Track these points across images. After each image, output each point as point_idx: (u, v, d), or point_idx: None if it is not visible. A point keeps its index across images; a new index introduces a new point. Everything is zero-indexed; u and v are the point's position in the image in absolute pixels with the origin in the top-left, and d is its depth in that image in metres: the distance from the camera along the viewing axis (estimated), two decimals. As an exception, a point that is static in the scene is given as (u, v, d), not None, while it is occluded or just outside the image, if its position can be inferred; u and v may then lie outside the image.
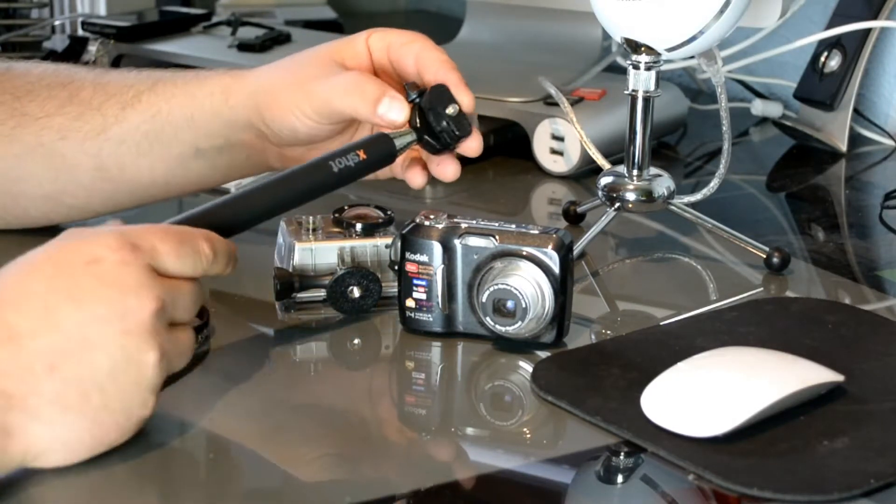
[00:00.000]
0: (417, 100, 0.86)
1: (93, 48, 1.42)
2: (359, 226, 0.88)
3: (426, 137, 0.87)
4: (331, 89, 0.86)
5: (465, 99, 0.87)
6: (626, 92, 0.94)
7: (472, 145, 0.88)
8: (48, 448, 0.64)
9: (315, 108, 0.86)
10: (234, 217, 0.79)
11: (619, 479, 0.70)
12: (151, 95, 0.90)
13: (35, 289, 0.65)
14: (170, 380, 0.70)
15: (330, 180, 0.82)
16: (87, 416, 0.65)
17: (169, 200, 0.96)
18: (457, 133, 0.86)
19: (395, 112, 0.85)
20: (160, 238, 0.69)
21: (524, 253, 0.80)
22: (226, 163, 0.91)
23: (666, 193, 0.96)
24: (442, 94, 0.86)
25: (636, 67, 0.93)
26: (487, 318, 0.80)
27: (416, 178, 0.89)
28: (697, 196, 1.00)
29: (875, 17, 1.26)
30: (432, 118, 0.86)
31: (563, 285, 0.80)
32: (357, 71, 0.88)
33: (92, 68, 0.95)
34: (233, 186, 1.00)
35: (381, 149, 0.85)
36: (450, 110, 0.86)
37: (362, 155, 0.83)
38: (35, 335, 0.64)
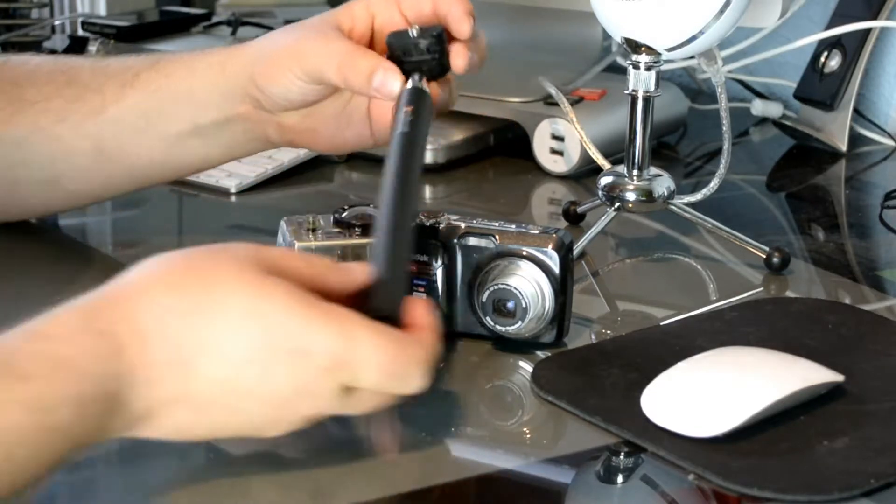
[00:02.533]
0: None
1: (93, 48, 1.42)
2: (359, 226, 0.88)
3: (419, 68, 0.85)
4: (323, 58, 0.86)
5: (464, 28, 0.85)
6: (626, 92, 0.94)
7: (458, 62, 0.85)
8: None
9: (305, 71, 0.86)
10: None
11: (619, 479, 0.70)
12: (151, 72, 0.90)
13: (238, 352, 0.62)
14: None
15: (405, 142, 0.78)
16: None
17: (165, 183, 0.96)
18: (425, 38, 0.84)
19: (390, 82, 0.84)
20: (376, 354, 0.63)
21: (524, 253, 0.80)
22: (225, 140, 0.91)
23: (666, 193, 0.96)
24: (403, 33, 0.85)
25: (636, 67, 0.93)
26: (487, 318, 0.80)
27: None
28: (697, 196, 1.00)
29: (875, 17, 1.26)
30: (405, 52, 0.85)
31: (563, 285, 0.80)
32: (349, 43, 0.86)
33: (88, 57, 0.95)
34: (233, 185, 1.00)
35: (423, 103, 0.83)
36: (413, 31, 0.84)
37: (409, 109, 0.81)
38: (206, 386, 0.63)
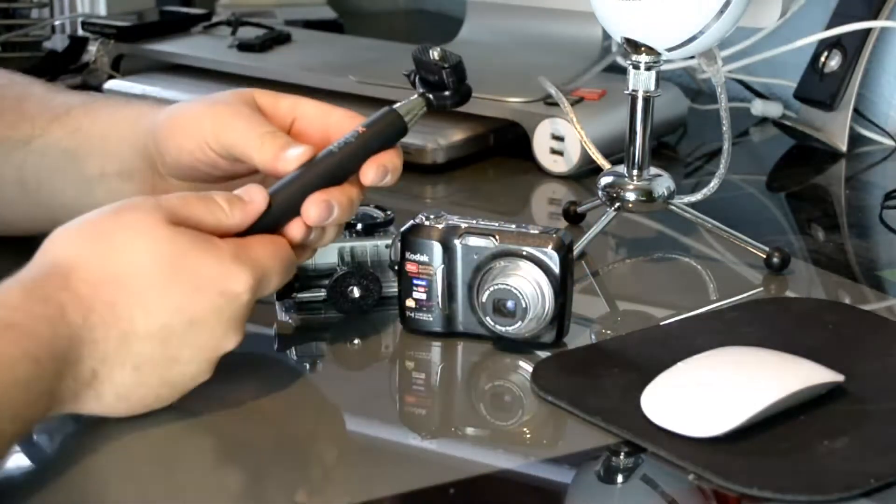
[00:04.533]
0: (413, 76, 0.82)
1: (93, 48, 1.43)
2: (359, 226, 0.88)
3: (433, 94, 0.82)
4: (240, 131, 0.81)
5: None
6: (626, 92, 0.94)
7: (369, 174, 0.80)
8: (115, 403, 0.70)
9: (213, 132, 0.81)
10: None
11: (619, 479, 0.70)
12: (80, 111, 0.89)
13: (167, 304, 0.70)
14: None
15: (333, 162, 0.78)
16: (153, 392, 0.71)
17: None
18: (447, 66, 0.81)
19: (294, 151, 0.78)
20: (279, 270, 0.74)
21: (524, 253, 0.80)
22: (127, 194, 0.85)
23: (666, 193, 0.96)
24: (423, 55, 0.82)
25: (636, 67, 0.93)
26: (487, 318, 0.80)
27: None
28: (697, 196, 1.00)
29: (875, 17, 1.26)
30: (424, 71, 0.81)
31: (563, 285, 0.80)
32: (268, 123, 0.81)
33: (52, 85, 0.93)
34: None
35: (387, 120, 0.80)
36: (434, 55, 0.81)
37: (361, 129, 0.79)
38: (144, 342, 0.69)
